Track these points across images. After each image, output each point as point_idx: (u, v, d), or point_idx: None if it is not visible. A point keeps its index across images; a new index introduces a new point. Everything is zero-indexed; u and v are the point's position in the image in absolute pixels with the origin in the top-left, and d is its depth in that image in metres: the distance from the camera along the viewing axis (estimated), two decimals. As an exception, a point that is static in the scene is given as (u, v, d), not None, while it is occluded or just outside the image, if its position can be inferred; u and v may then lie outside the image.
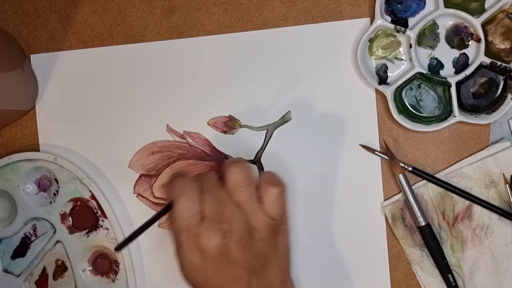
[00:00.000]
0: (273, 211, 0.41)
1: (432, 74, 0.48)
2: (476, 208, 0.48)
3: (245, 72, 0.51)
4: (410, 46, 0.48)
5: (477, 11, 0.48)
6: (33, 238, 0.52)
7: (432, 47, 0.49)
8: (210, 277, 0.39)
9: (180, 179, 0.40)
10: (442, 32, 0.49)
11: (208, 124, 0.51)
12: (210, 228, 0.38)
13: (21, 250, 0.52)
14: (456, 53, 0.49)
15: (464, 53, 0.49)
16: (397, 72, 0.49)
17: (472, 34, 0.48)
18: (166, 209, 0.40)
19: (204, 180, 0.41)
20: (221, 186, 0.41)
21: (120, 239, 0.50)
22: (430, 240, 0.48)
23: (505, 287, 0.48)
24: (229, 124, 0.51)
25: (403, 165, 0.48)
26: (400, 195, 0.49)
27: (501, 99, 0.48)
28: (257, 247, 0.40)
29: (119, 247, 0.39)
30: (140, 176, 0.52)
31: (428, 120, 0.48)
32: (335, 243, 0.50)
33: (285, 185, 0.42)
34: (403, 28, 0.48)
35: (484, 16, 0.47)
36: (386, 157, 0.49)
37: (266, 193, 0.41)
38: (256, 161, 0.51)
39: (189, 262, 0.39)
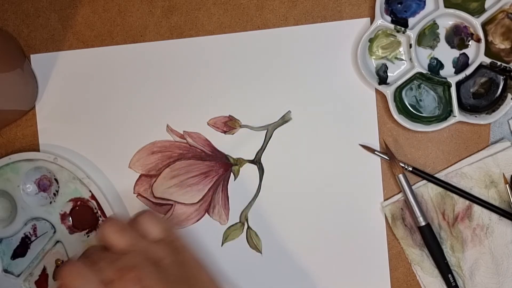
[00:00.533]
0: (157, 232, 0.40)
1: (432, 74, 0.48)
2: (476, 208, 0.48)
3: (245, 72, 0.51)
4: (410, 46, 0.48)
5: (477, 11, 0.48)
6: (33, 238, 0.52)
7: (432, 47, 0.49)
8: None
9: (64, 268, 0.38)
10: (442, 32, 0.49)
11: (208, 124, 0.51)
12: (122, 284, 0.37)
13: (21, 250, 0.52)
14: (456, 53, 0.49)
15: (464, 53, 0.49)
16: (397, 72, 0.49)
17: (472, 34, 0.48)
18: None
19: (85, 255, 0.40)
20: (102, 249, 0.40)
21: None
22: (430, 240, 0.48)
23: (505, 287, 0.48)
24: (229, 124, 0.51)
25: (403, 165, 0.48)
26: (400, 195, 0.49)
27: (501, 99, 0.48)
28: (171, 273, 0.39)
29: None
30: (140, 176, 0.52)
31: (428, 120, 0.48)
32: (335, 243, 0.50)
33: (148, 209, 0.42)
34: (403, 28, 0.48)
35: (484, 16, 0.47)
36: (386, 157, 0.49)
37: (139, 224, 0.40)
38: (256, 161, 0.51)
39: None
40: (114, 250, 0.40)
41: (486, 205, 0.48)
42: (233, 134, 0.51)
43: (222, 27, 0.51)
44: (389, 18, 0.49)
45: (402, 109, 0.49)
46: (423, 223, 0.48)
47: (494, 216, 0.48)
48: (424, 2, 0.49)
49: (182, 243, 0.42)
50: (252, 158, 0.51)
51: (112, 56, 0.52)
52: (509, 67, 0.47)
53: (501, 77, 0.48)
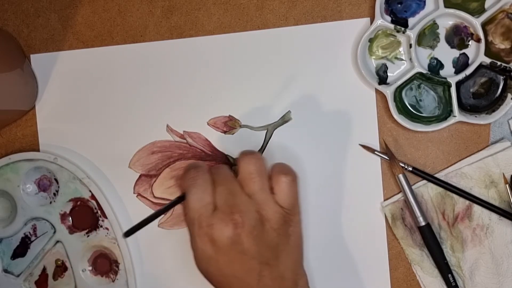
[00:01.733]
0: (285, 201, 0.41)
1: (432, 74, 0.48)
2: (476, 208, 0.48)
3: (245, 72, 0.51)
4: (410, 46, 0.48)
5: (477, 11, 0.48)
6: (33, 238, 0.52)
7: (432, 47, 0.49)
8: (222, 267, 0.39)
9: (193, 170, 0.41)
10: (442, 32, 0.49)
11: (208, 124, 0.51)
12: (222, 219, 0.39)
13: (21, 250, 0.52)
14: (456, 53, 0.49)
15: (464, 53, 0.49)
16: (397, 72, 0.49)
17: (472, 34, 0.48)
18: (178, 200, 0.40)
19: (216, 172, 0.41)
20: (235, 177, 0.41)
21: (120, 239, 0.50)
22: (430, 240, 0.48)
23: (505, 287, 0.48)
24: (229, 124, 0.51)
25: (403, 165, 0.48)
26: (400, 195, 0.49)
27: (501, 99, 0.48)
28: (269, 237, 0.40)
29: (128, 233, 0.39)
30: (140, 176, 0.52)
31: (428, 120, 0.48)
32: (335, 243, 0.50)
33: (296, 175, 0.42)
34: (403, 28, 0.48)
35: (484, 16, 0.47)
36: (386, 157, 0.49)
37: (277, 183, 0.41)
38: (256, 161, 0.51)
39: (201, 252, 0.39)
40: (239, 180, 0.41)
41: (486, 205, 0.48)
42: (233, 134, 0.51)
43: (222, 27, 0.51)
44: (389, 18, 0.49)
45: (402, 109, 0.49)
46: (423, 223, 0.48)
47: (494, 216, 0.48)
48: (424, 2, 0.49)
49: (298, 219, 0.42)
50: (252, 158, 0.51)
51: (112, 56, 0.52)
52: (509, 67, 0.47)
53: (501, 77, 0.48)
